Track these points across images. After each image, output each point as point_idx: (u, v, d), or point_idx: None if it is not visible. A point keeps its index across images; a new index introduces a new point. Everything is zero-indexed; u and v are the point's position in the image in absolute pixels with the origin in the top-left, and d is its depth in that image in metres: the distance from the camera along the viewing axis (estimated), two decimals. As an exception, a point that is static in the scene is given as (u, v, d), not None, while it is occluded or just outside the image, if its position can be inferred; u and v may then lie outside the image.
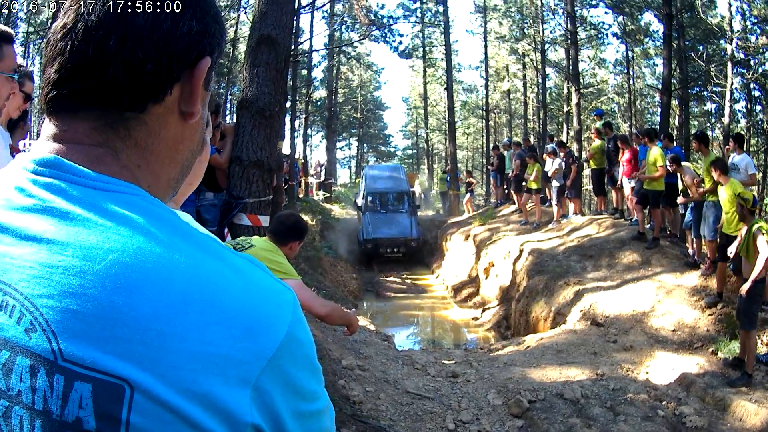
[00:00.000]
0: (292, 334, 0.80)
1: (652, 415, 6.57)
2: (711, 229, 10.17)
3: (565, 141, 20.18)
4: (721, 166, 9.46)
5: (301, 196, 24.82)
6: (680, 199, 11.36)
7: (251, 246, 3.95)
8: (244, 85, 5.99)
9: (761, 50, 29.20)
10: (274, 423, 0.79)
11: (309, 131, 39.54)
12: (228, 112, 39.25)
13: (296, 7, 5.97)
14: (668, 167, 11.39)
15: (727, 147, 10.86)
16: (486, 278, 16.02)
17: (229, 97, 43.07)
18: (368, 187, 23.00)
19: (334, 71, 39.20)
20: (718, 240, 9.63)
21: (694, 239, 10.82)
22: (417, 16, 40.14)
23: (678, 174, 11.20)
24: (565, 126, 32.52)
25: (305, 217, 16.94)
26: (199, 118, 0.90)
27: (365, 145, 58.21)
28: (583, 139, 22.46)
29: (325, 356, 7.18)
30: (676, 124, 28.48)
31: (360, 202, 22.97)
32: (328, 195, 30.68)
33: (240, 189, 5.91)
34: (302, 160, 29.61)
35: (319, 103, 41.01)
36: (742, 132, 30.24)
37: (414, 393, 7.02)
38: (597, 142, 14.91)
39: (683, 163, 11.33)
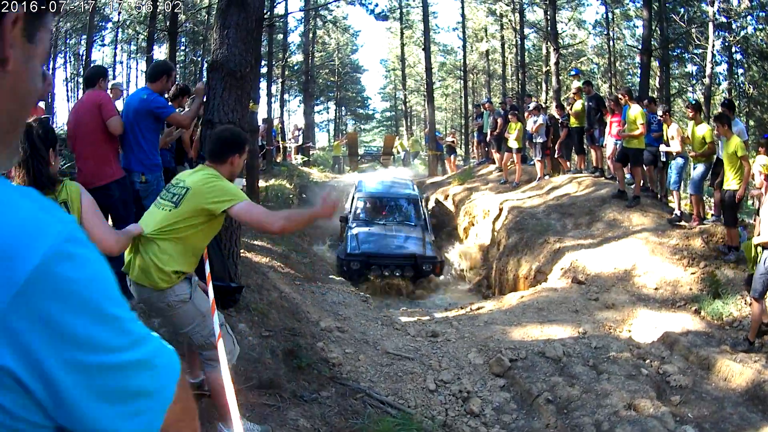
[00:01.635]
0: (50, 268, 0.74)
1: (636, 374, 6.59)
2: (696, 186, 10.92)
3: (544, 101, 20.21)
4: (728, 120, 9.87)
5: (278, 160, 24.59)
6: (663, 147, 11.92)
7: (183, 181, 3.87)
8: (214, 47, 5.85)
9: (743, 14, 29.22)
10: (34, 370, 0.74)
11: (286, 96, 39.13)
12: (197, 75, 38.85)
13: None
14: (658, 118, 12.23)
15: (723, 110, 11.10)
16: (466, 238, 16.01)
17: (205, 64, 42.61)
18: (360, 189, 16.17)
19: (311, 35, 38.73)
20: (719, 195, 10.05)
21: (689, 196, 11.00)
22: (393, -23, 39.70)
23: (663, 128, 12.02)
24: (544, 86, 32.40)
25: (283, 182, 16.97)
26: (21, 68, 0.84)
27: (343, 108, 57.92)
28: (562, 98, 22.35)
29: (303, 318, 7.15)
30: (656, 85, 28.56)
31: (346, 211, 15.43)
32: (306, 159, 30.47)
33: (212, 152, 5.79)
34: (279, 125, 29.31)
35: (295, 67, 40.55)
36: (724, 95, 30.52)
37: (394, 353, 6.99)
38: (578, 103, 14.86)
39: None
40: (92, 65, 21.20)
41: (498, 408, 6.09)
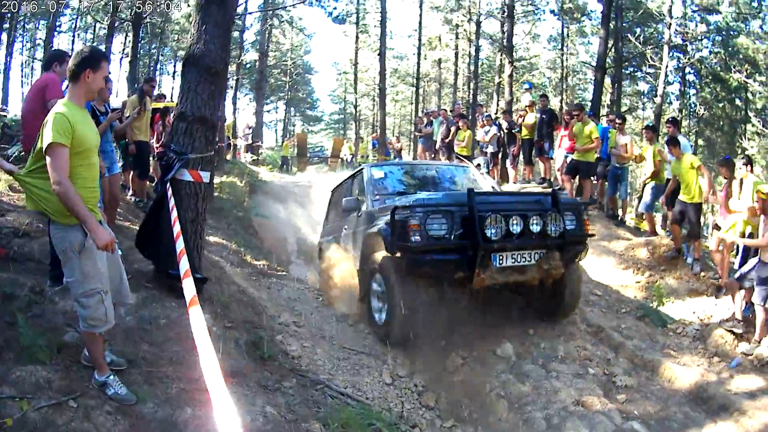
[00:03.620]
0: None
1: (583, 373, 6.86)
2: (649, 205, 12.10)
3: (494, 112, 20.63)
4: (677, 142, 10.81)
5: (228, 157, 24.52)
6: (614, 151, 12.84)
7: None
8: (191, 41, 5.92)
9: (699, 37, 30.25)
10: None
11: (237, 94, 38.97)
12: (158, 69, 38.39)
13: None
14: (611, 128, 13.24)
15: (668, 127, 12.07)
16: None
17: (161, 57, 42.16)
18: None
19: (267, 34, 38.65)
20: (674, 207, 10.92)
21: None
22: (352, -19, 39.85)
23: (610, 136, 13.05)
24: (495, 96, 32.94)
25: (232, 180, 16.95)
26: None
27: (292, 108, 57.75)
28: (513, 110, 22.82)
29: (262, 312, 7.26)
30: (608, 101, 29.29)
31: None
32: (255, 158, 30.45)
33: (183, 144, 5.88)
34: (231, 122, 29.23)
35: (248, 65, 40.38)
36: (674, 114, 31.54)
37: (350, 348, 7.16)
38: (531, 116, 15.32)
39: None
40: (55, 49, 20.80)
41: (452, 402, 6.34)
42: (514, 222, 6.69)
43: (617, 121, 13.39)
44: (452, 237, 6.57)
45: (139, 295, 5.69)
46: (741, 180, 9.40)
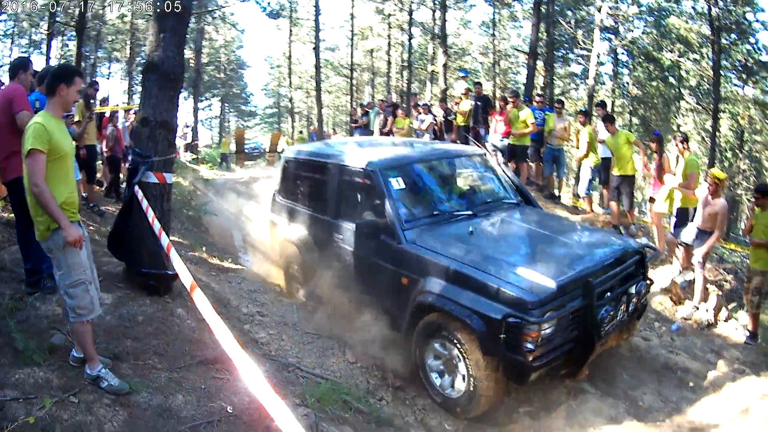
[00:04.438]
0: None
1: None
2: (588, 188, 12.77)
3: (429, 100, 21.07)
4: (613, 119, 11.68)
5: (169, 158, 24.34)
6: (554, 134, 13.62)
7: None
8: (150, 49, 6.17)
9: (631, 18, 31.09)
10: None
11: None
12: (92, 72, 37.65)
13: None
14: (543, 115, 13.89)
15: (597, 110, 12.85)
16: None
17: (93, 59, 41.24)
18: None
19: (201, 32, 38.35)
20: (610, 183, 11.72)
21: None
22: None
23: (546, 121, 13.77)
24: (429, 84, 33.35)
25: (178, 179, 16.99)
26: None
27: (227, 105, 57.32)
28: (447, 97, 23.30)
29: (228, 305, 7.58)
30: (541, 84, 29.99)
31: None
32: (195, 156, 30.38)
33: (146, 148, 6.15)
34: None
35: (182, 64, 39.86)
36: (607, 94, 32.33)
37: (313, 333, 7.52)
38: (466, 103, 15.87)
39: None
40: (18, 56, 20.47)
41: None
42: (622, 308, 6.12)
43: (556, 105, 14.23)
44: (565, 334, 5.60)
45: (114, 295, 5.99)
46: (677, 156, 10.15)
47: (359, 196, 7.67)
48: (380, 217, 6.87)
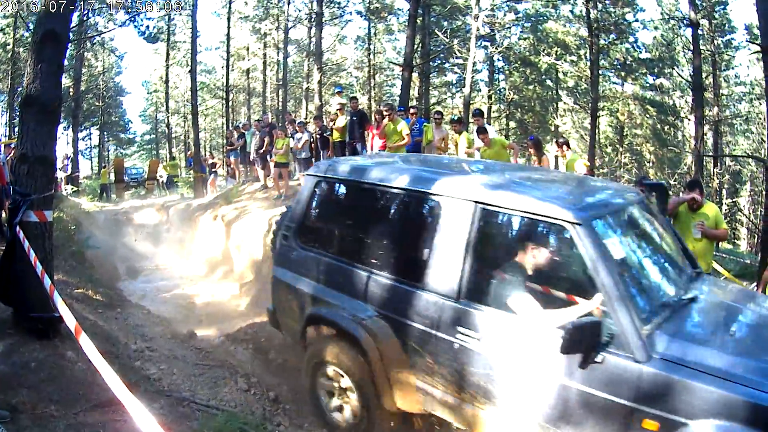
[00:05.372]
0: None
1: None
2: None
3: (304, 117, 21.23)
4: (485, 131, 11.98)
5: (51, 192, 23.36)
6: (433, 144, 13.94)
7: None
8: (28, 81, 5.93)
9: (508, 26, 32.08)
10: None
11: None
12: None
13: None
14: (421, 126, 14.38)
15: (475, 119, 13.22)
16: (239, 254, 16.39)
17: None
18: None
19: (81, 59, 37.06)
20: None
21: None
22: (165, -1, 38.87)
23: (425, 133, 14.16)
24: (304, 102, 33.45)
25: (59, 214, 16.42)
26: None
27: (106, 133, 55.44)
28: (323, 114, 23.46)
29: (117, 343, 7.42)
30: (416, 95, 30.49)
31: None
32: (76, 189, 29.34)
33: (26, 186, 5.93)
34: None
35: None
36: (483, 101, 33.13)
37: (203, 364, 7.46)
38: (341, 119, 16.06)
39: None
40: None
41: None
42: None
43: (435, 116, 14.73)
44: None
45: (4, 342, 5.77)
46: (556, 158, 10.66)
47: (527, 262, 4.65)
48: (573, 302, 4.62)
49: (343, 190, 6.12)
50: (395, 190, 5.38)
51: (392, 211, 5.65)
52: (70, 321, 4.12)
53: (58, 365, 5.65)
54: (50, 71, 6.00)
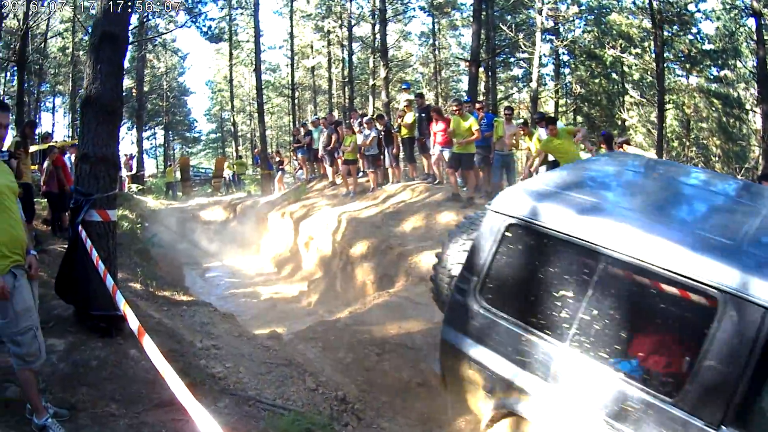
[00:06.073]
0: None
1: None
2: None
3: (372, 114, 21.11)
4: (555, 120, 12.00)
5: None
6: (504, 140, 13.54)
7: None
8: (87, 82, 5.99)
9: (571, 18, 31.52)
10: None
11: (117, 123, 37.89)
12: (36, 107, 36.90)
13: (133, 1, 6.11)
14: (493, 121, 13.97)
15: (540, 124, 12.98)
16: (307, 252, 16.42)
17: (40, 94, 40.43)
18: None
19: (143, 60, 37.87)
20: None
21: None
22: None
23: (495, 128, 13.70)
24: (371, 98, 33.39)
25: (124, 212, 16.72)
26: None
27: (171, 132, 56.49)
28: (390, 110, 23.34)
29: (182, 340, 7.39)
30: (483, 90, 30.19)
31: None
32: (141, 187, 29.93)
33: (88, 186, 5.96)
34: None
35: (124, 94, 39.10)
36: (550, 96, 32.62)
37: (270, 363, 7.36)
38: (410, 115, 15.90)
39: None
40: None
41: (376, 396, 6.71)
42: None
43: (506, 112, 14.24)
44: None
45: (66, 340, 5.77)
46: None
47: None
48: None
49: (560, 248, 4.14)
50: (646, 266, 3.62)
51: (635, 294, 4.03)
52: (133, 321, 4.06)
53: (121, 363, 5.64)
54: (110, 72, 6.00)
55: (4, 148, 8.71)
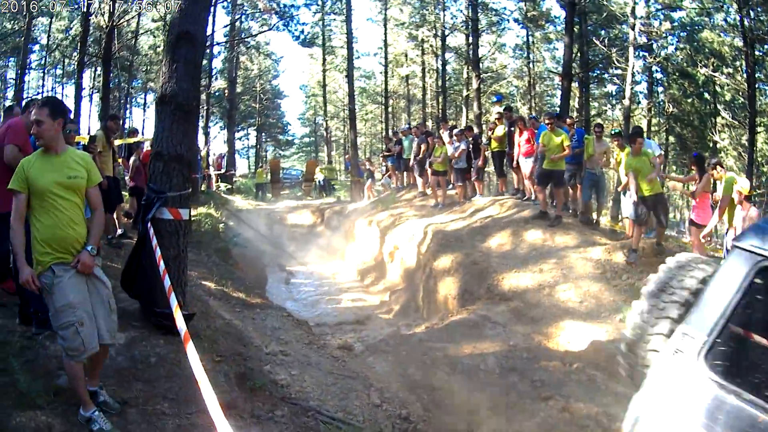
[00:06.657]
0: None
1: (566, 380, 7.00)
2: (634, 211, 11.30)
3: (464, 125, 20.86)
4: (641, 132, 11.53)
5: (203, 188, 24.44)
6: (594, 158, 13.24)
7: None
8: (163, 80, 6.03)
9: (664, 35, 30.62)
10: None
11: (208, 123, 39.16)
12: (126, 102, 38.29)
13: (212, 2, 6.15)
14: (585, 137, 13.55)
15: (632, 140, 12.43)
16: (391, 262, 16.28)
17: (131, 90, 42.04)
18: None
19: (235, 61, 38.81)
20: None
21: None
22: (318, 4, 40.05)
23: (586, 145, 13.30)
24: (464, 109, 33.17)
25: (209, 210, 17.00)
26: None
27: (263, 134, 57.58)
28: (482, 122, 23.05)
29: (248, 343, 7.32)
30: (576, 105, 29.54)
31: None
32: (229, 186, 30.49)
33: (161, 183, 5.97)
34: (205, 153, 29.20)
35: (217, 93, 40.32)
36: (643, 115, 31.73)
37: (337, 374, 7.23)
38: (500, 128, 15.62)
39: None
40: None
41: (440, 417, 6.45)
42: None
43: (596, 129, 13.82)
44: None
45: (128, 334, 5.75)
46: (714, 181, 9.98)
47: None
48: None
49: None
50: None
51: None
52: (181, 324, 3.95)
53: (180, 363, 5.54)
54: (186, 71, 6.00)
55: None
